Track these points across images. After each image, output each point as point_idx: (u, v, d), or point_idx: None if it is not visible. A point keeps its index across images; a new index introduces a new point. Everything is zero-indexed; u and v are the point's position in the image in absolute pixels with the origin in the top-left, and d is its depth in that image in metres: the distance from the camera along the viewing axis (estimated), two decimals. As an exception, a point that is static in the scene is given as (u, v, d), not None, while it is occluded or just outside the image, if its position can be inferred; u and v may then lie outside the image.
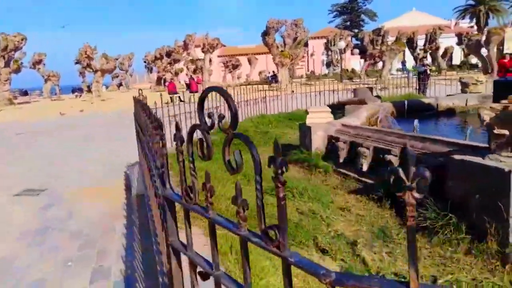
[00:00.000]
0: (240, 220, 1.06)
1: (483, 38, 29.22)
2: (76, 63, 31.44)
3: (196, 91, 21.72)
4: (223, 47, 53.81)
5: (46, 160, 9.05)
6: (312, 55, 57.27)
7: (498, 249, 3.18)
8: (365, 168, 5.38)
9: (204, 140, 1.17)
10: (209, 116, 1.18)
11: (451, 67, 39.69)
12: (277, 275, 2.88)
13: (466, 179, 3.59)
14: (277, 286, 2.62)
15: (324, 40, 48.50)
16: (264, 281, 2.58)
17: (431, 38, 41.22)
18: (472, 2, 43.91)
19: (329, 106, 8.36)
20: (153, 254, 3.93)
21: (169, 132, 2.22)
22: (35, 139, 12.56)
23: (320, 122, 6.54)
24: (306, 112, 7.22)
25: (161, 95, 9.30)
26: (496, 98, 6.42)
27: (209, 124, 1.15)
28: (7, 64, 29.38)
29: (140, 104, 3.50)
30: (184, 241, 1.58)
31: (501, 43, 31.48)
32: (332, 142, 6.29)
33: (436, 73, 29.91)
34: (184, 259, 1.61)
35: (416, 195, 0.68)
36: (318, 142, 6.47)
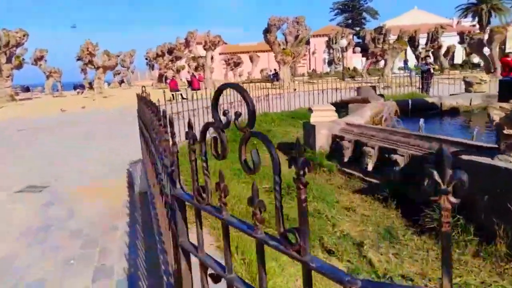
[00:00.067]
0: (256, 222, 1.02)
1: (486, 37, 29.11)
2: (78, 59, 31.38)
3: (198, 89, 21.65)
4: (225, 45, 53.73)
5: (47, 157, 9.01)
6: (313, 53, 57.19)
7: (507, 251, 3.13)
8: (370, 167, 5.33)
9: (219, 138, 1.13)
10: (224, 113, 1.14)
11: (453, 66, 39.58)
12: (283, 276, 2.85)
13: (475, 179, 3.54)
14: (283, 287, 2.59)
15: (326, 38, 48.36)
16: (271, 282, 2.54)
17: (433, 37, 41.09)
18: (474, 1, 43.77)
19: (332, 104, 8.29)
20: (157, 252, 3.91)
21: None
22: (36, 136, 12.53)
23: (325, 120, 6.48)
24: (310, 111, 7.17)
25: (164, 92, 9.26)
26: (502, 98, 6.38)
27: (224, 122, 1.11)
28: (9, 60, 29.33)
29: (146, 101, 3.45)
30: (192, 242, 1.56)
31: (503, 42, 31.37)
32: (336, 141, 6.25)
33: (439, 72, 29.80)
34: (193, 259, 1.58)
35: (453, 199, 0.63)
36: (322, 141, 6.43)
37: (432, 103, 9.57)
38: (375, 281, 2.31)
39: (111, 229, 4.68)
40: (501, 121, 3.25)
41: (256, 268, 2.76)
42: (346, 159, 5.91)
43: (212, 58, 35.75)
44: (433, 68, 19.49)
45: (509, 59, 15.36)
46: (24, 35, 30.65)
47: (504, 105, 3.24)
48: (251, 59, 43.36)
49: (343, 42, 36.24)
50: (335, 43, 44.05)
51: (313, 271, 0.85)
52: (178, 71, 41.32)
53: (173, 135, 1.46)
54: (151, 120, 3.07)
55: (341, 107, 9.37)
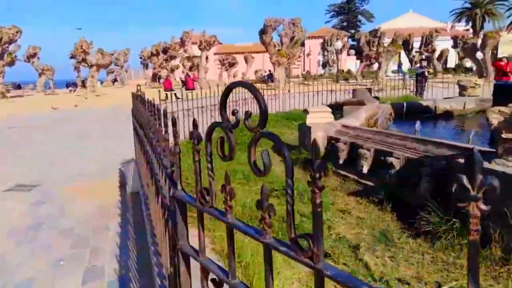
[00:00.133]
0: (265, 226, 0.98)
1: (479, 41, 29.40)
2: (71, 57, 31.10)
3: (193, 89, 21.56)
4: (220, 45, 53.62)
5: (37, 155, 8.89)
6: (308, 55, 57.29)
7: (502, 255, 3.13)
8: (365, 170, 5.32)
9: (227, 139, 1.10)
10: (234, 113, 1.10)
11: (446, 70, 39.91)
12: (279, 279, 2.81)
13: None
14: (280, 291, 2.55)
15: (321, 40, 48.49)
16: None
17: (427, 41, 41.41)
18: (469, 6, 44.16)
19: (327, 106, 8.29)
20: (149, 254, 3.85)
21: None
22: (27, 134, 12.37)
23: (320, 122, 6.47)
24: (305, 112, 7.15)
25: (159, 91, 9.19)
26: (496, 102, 6.41)
27: (233, 122, 1.07)
28: (1, 57, 29.00)
29: (143, 100, 3.40)
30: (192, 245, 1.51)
31: (495, 47, 31.70)
32: (332, 142, 6.23)
33: (432, 75, 30.04)
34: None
35: (483, 206, 0.60)
36: (318, 143, 6.39)
37: (426, 107, 9.61)
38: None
39: (102, 229, 4.61)
40: (500, 125, 3.25)
41: (252, 271, 2.73)
42: (341, 161, 5.90)
43: (207, 58, 35.64)
44: (428, 72, 19.61)
45: (502, 63, 15.51)
46: (17, 32, 30.32)
47: (503, 109, 3.24)
48: (246, 59, 43.29)
49: (339, 44, 36.36)
50: (330, 45, 44.19)
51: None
52: (172, 70, 41.13)
53: (176, 134, 1.42)
54: (148, 119, 3.02)
55: (336, 109, 9.37)
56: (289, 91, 17.11)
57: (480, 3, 42.34)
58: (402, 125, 8.03)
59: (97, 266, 3.68)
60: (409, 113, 9.19)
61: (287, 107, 13.32)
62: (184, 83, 24.58)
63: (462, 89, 11.19)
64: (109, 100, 24.34)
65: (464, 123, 9.17)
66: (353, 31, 65.87)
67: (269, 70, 37.68)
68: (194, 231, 3.60)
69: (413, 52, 43.99)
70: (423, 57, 36.58)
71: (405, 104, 9.45)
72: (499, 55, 32.51)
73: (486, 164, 3.41)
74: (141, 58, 50.10)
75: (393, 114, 8.78)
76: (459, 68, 40.42)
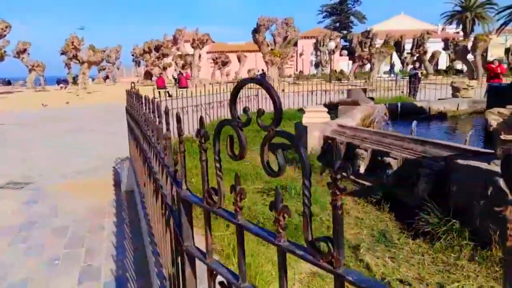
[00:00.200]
0: (279, 228, 0.94)
1: (470, 44, 29.72)
2: (62, 54, 30.68)
3: (186, 87, 21.44)
4: (213, 43, 53.43)
5: (29, 153, 8.74)
6: (301, 54, 57.42)
7: (502, 256, 3.12)
8: (362, 170, 5.30)
9: (238, 137, 1.05)
10: (245, 110, 1.06)
11: (437, 71, 40.30)
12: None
13: (471, 184, 3.53)
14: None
15: (314, 40, 48.63)
16: (271, 287, 2.46)
17: (419, 43, 41.76)
18: (459, 9, 44.55)
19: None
20: (145, 253, 3.79)
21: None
22: (17, 131, 12.17)
23: (317, 122, 6.44)
24: (301, 111, 7.12)
25: (153, 89, 9.10)
26: (491, 103, 6.44)
27: (246, 119, 1.03)
28: (-11, 52, 28.52)
29: (140, 98, 3.33)
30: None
31: (485, 50, 32.06)
32: (328, 142, 6.21)
33: (423, 77, 30.32)
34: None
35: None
36: (314, 142, 6.38)
37: (420, 107, 9.64)
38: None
39: (97, 228, 4.53)
40: (499, 126, 3.25)
41: (254, 272, 2.68)
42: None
43: (199, 56, 35.50)
44: (421, 73, 19.73)
45: (493, 66, 15.71)
46: (6, 27, 29.86)
47: (502, 110, 3.23)
48: (238, 58, 43.22)
49: (332, 45, 36.46)
50: (323, 45, 44.32)
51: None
52: (164, 68, 40.90)
53: (180, 131, 1.36)
54: (146, 117, 2.95)
55: (330, 109, 9.36)
56: (283, 90, 17.09)
57: (470, 6, 42.76)
58: (397, 125, 8.04)
59: (93, 266, 3.61)
60: (403, 114, 9.22)
61: (282, 106, 13.25)
62: (177, 81, 24.43)
63: (455, 90, 11.26)
64: (101, 98, 24.10)
65: (457, 124, 9.23)
66: (345, 32, 66.24)
67: (262, 70, 37.63)
68: (195, 231, 3.57)
69: (405, 54, 44.37)
70: (415, 58, 36.93)
71: (399, 105, 9.47)
72: (489, 58, 32.95)
73: (485, 165, 3.41)
74: (133, 55, 49.73)
75: (387, 114, 8.79)
76: (450, 70, 40.84)
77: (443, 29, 57.26)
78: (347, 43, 46.69)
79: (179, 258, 1.64)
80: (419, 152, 4.68)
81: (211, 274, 1.25)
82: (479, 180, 3.47)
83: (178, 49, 39.08)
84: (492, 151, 3.59)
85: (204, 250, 1.39)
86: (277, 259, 0.95)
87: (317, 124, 6.46)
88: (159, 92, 15.64)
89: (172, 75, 38.84)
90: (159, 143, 2.16)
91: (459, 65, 42.03)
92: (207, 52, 52.39)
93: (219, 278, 1.24)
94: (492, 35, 35.10)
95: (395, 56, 44.03)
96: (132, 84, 5.98)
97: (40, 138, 10.68)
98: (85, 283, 3.33)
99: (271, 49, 30.22)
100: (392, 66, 41.90)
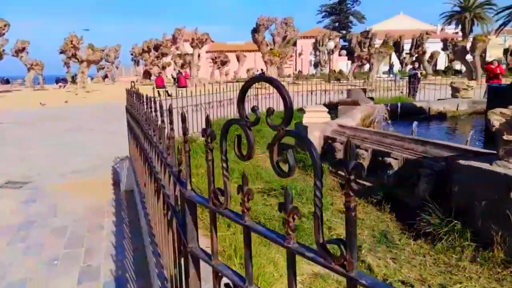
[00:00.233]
0: (288, 230, 0.92)
1: (468, 44, 29.76)
2: (61, 52, 30.60)
3: (185, 86, 21.41)
4: (212, 43, 53.36)
5: (28, 152, 8.71)
6: (300, 54, 57.39)
7: (504, 257, 3.11)
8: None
9: (246, 137, 1.03)
10: (253, 109, 1.04)
11: (436, 72, 40.35)
12: (281, 281, 2.75)
13: (472, 184, 3.52)
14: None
15: (313, 40, 48.62)
16: (273, 288, 2.44)
17: (418, 43, 41.79)
18: (458, 9, 44.63)
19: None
20: (145, 254, 3.77)
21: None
22: (16, 130, 12.12)
23: (317, 121, 6.43)
24: (301, 111, 7.11)
25: (153, 89, 9.09)
26: (491, 104, 6.44)
27: (254, 118, 1.01)
28: (-13, 51, 28.42)
29: (141, 97, 3.30)
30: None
31: (484, 50, 32.10)
32: (328, 142, 6.19)
33: (422, 77, 30.34)
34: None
35: None
36: (314, 142, 6.36)
37: (420, 108, 9.65)
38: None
39: (97, 228, 4.50)
40: (501, 126, 3.24)
41: (257, 273, 2.66)
42: (338, 161, 5.86)
43: (199, 56, 35.44)
44: (421, 73, 19.74)
45: (493, 66, 15.73)
46: (5, 25, 29.73)
47: (505, 110, 3.22)
48: (237, 58, 43.18)
49: (331, 44, 36.44)
50: (322, 45, 44.31)
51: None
52: (163, 67, 40.83)
53: (186, 131, 1.34)
54: (147, 116, 2.93)
55: (330, 109, 9.35)
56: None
57: (470, 6, 42.86)
58: (397, 125, 8.03)
59: (92, 266, 3.58)
60: (403, 114, 9.22)
61: (280, 106, 13.19)
62: (176, 81, 24.38)
63: (455, 91, 11.27)
64: (100, 97, 24.02)
65: (457, 125, 9.23)
66: (344, 31, 66.25)
67: (261, 69, 37.59)
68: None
69: (404, 54, 44.40)
70: (413, 59, 36.96)
71: (399, 105, 9.47)
72: (487, 58, 33.01)
73: (488, 166, 3.40)
74: (132, 54, 49.66)
75: (387, 114, 8.79)
76: (449, 70, 40.88)
77: (442, 29, 57.36)
78: (346, 43, 46.67)
79: (182, 259, 1.63)
80: (420, 152, 4.66)
81: (217, 276, 1.23)
82: (481, 181, 3.46)
83: (177, 48, 39.02)
84: (493, 151, 3.58)
85: (208, 251, 1.37)
86: (286, 261, 0.94)
87: (318, 124, 6.45)
88: (158, 91, 15.65)
89: (171, 75, 38.79)
90: (161, 143, 2.14)
91: (457, 66, 42.07)
92: (206, 52, 52.31)
93: (224, 279, 1.22)
94: (491, 35, 35.19)
95: (394, 56, 44.05)
96: (132, 83, 5.96)
97: (39, 137, 10.63)
98: (84, 283, 3.31)
99: (271, 49, 30.21)
100: (391, 66, 41.92)
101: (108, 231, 4.43)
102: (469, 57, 29.36)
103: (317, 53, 47.39)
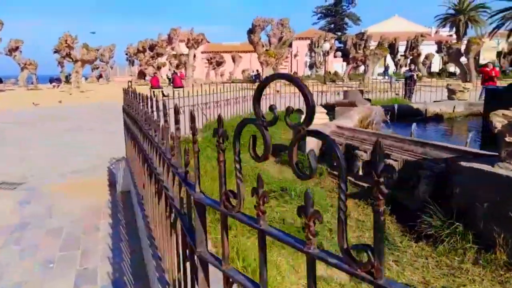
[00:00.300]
0: (309, 235, 0.88)
1: (463, 47, 29.96)
2: (55, 52, 30.36)
3: (181, 87, 21.30)
4: (207, 43, 53.27)
5: (22, 152, 8.60)
6: (295, 55, 57.41)
7: (507, 260, 3.09)
8: (361, 171, 5.26)
9: (263, 137, 0.99)
10: (271, 108, 1.00)
11: (430, 74, 40.59)
12: (284, 285, 2.71)
13: (474, 186, 3.51)
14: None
15: (308, 42, 48.68)
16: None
17: (412, 45, 42.03)
18: (453, 12, 44.91)
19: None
20: (142, 256, 3.70)
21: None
22: (9, 130, 11.98)
23: (316, 123, 6.39)
24: (299, 112, 7.06)
25: (150, 89, 9.00)
26: (488, 106, 6.45)
27: (272, 118, 0.97)
28: (-20, 50, 28.12)
29: (141, 96, 3.25)
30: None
31: (478, 53, 32.33)
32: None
33: (418, 79, 30.50)
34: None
35: None
36: (313, 144, 6.32)
37: (417, 109, 9.67)
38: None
39: (93, 230, 4.43)
40: (504, 128, 3.22)
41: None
42: (336, 163, 5.83)
43: (194, 56, 35.34)
44: (417, 75, 19.82)
45: (488, 69, 15.83)
46: (-2, 24, 29.46)
47: (507, 112, 3.21)
48: (233, 59, 43.13)
49: (326, 46, 36.49)
50: (318, 46, 44.40)
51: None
52: (159, 68, 40.66)
53: (194, 131, 1.30)
54: (147, 116, 2.87)
55: (327, 110, 9.33)
56: (277, 91, 17.04)
57: (464, 9, 43.12)
58: (394, 127, 8.03)
59: (89, 269, 3.51)
60: (400, 115, 9.22)
61: (282, 106, 13.22)
62: (172, 81, 24.27)
63: (451, 92, 11.32)
64: (94, 97, 23.86)
65: (453, 126, 9.26)
66: (339, 33, 66.36)
67: (257, 70, 37.58)
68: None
69: (399, 56, 44.63)
70: (408, 61, 37.17)
71: (396, 107, 9.48)
72: (481, 61, 33.26)
73: (490, 168, 3.39)
74: (127, 54, 49.38)
75: (384, 116, 8.78)
76: (443, 73, 41.14)
77: (436, 31, 57.64)
78: (342, 45, 46.82)
79: (187, 263, 1.58)
80: (420, 154, 4.65)
81: (227, 282, 1.19)
82: (482, 183, 3.44)
83: (172, 48, 38.85)
84: (493, 153, 3.56)
85: (217, 255, 1.33)
86: (306, 267, 0.90)
87: (316, 125, 6.42)
88: (153, 91, 15.55)
89: (166, 75, 38.63)
90: (163, 143, 2.09)
91: (452, 68, 42.35)
92: (202, 52, 52.18)
93: (236, 285, 1.18)
94: (484, 38, 35.42)
95: (389, 58, 44.22)
96: (129, 83, 5.91)
97: (39, 137, 10.53)
98: (81, 287, 3.24)
99: (266, 50, 30.22)
100: (386, 68, 42.09)
101: (105, 233, 4.37)
102: (463, 59, 29.55)
103: (313, 54, 47.46)
